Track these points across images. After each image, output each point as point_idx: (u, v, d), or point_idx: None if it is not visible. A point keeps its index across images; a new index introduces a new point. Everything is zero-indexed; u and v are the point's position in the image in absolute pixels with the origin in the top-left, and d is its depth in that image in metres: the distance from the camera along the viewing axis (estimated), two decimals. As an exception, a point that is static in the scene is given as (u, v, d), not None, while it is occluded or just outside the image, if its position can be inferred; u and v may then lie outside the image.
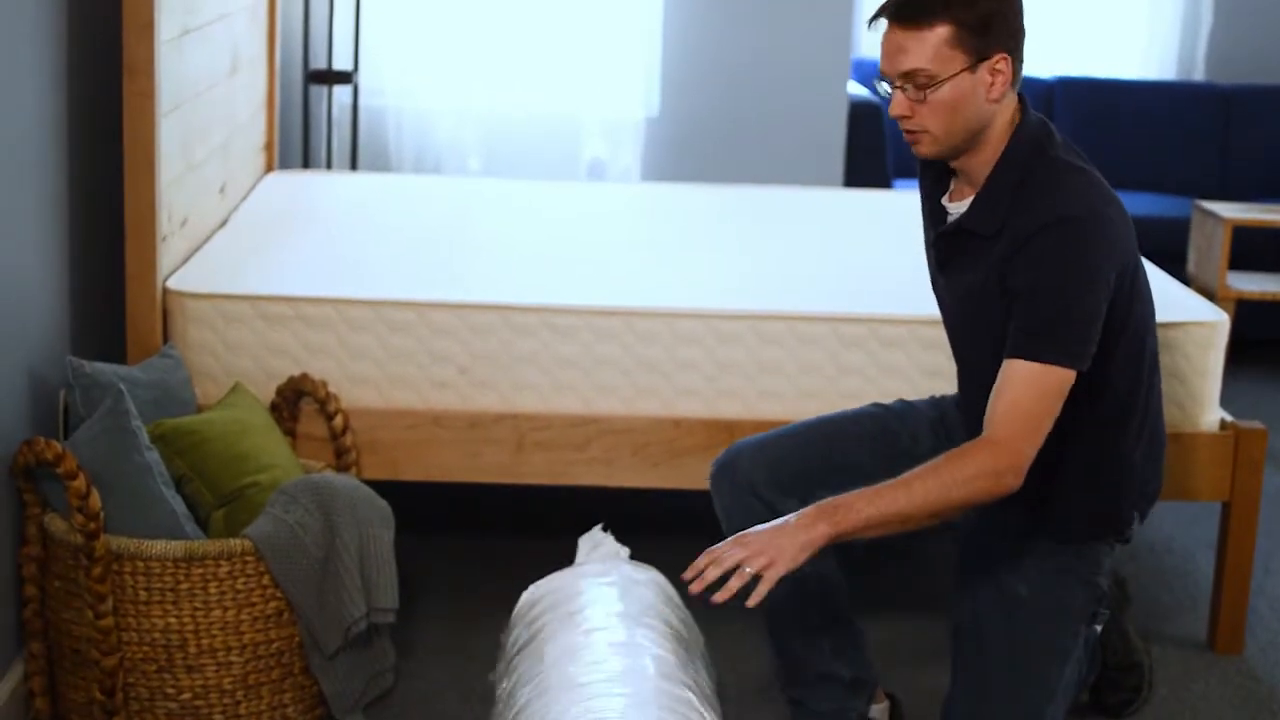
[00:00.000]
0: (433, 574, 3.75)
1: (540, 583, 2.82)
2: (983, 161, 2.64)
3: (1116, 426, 2.70)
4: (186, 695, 2.98)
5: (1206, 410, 3.53)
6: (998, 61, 2.54)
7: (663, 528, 3.61)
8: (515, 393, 3.46)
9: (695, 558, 2.44)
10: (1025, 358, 2.50)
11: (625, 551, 2.90)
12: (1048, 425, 2.51)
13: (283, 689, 3.05)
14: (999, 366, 2.55)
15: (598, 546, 2.93)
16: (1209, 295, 5.13)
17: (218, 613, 2.95)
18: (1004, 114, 2.61)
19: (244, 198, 4.36)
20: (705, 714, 2.35)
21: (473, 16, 5.86)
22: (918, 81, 2.53)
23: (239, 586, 2.96)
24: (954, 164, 2.69)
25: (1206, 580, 3.88)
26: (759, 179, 5.46)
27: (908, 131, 2.60)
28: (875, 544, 2.55)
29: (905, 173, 6.25)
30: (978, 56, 2.53)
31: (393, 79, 5.93)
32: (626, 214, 4.50)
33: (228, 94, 4.16)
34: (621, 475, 3.47)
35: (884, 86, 2.60)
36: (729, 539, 2.40)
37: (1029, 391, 2.49)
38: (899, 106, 2.57)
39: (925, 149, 2.62)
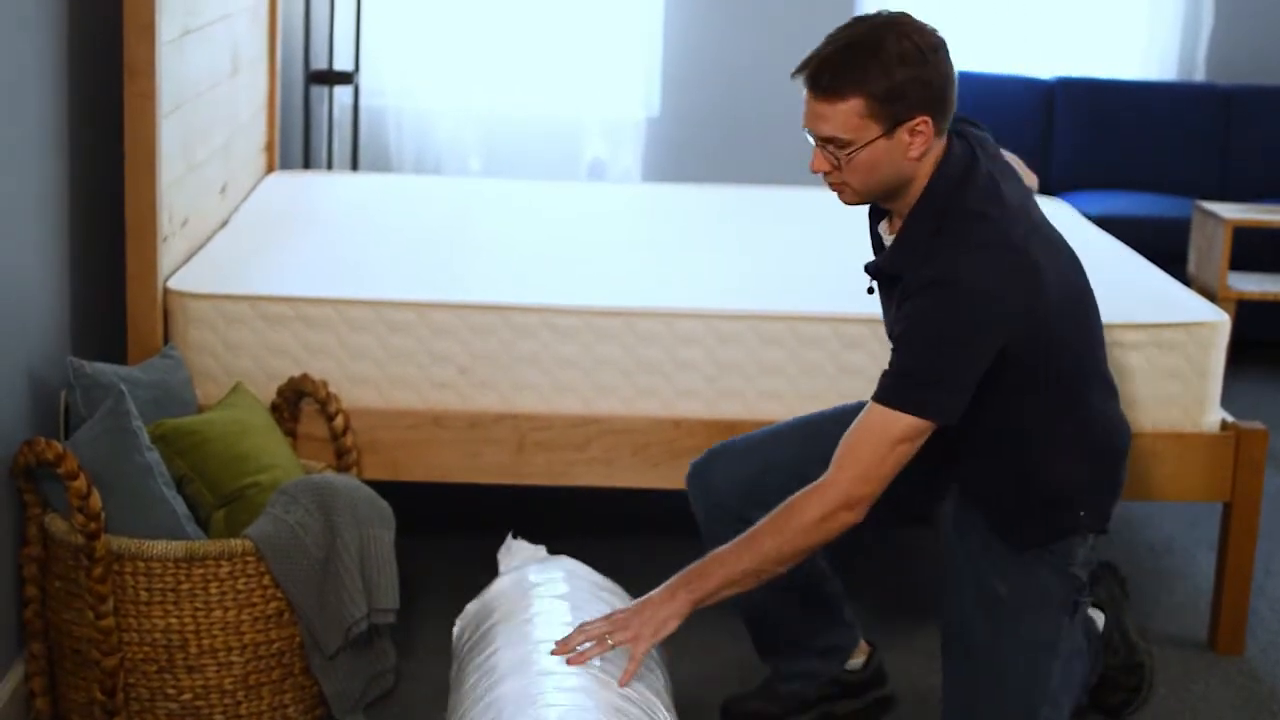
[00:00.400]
0: (433, 574, 3.74)
1: (464, 610, 2.81)
2: (907, 204, 2.67)
3: (1047, 447, 2.74)
4: (187, 695, 2.98)
5: (1207, 411, 3.53)
6: (917, 124, 2.56)
7: (663, 528, 3.61)
8: (515, 393, 3.46)
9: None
10: (877, 400, 2.58)
11: (542, 550, 2.91)
12: (889, 469, 2.56)
13: (283, 689, 3.05)
14: None
15: (516, 554, 2.93)
16: (1210, 296, 5.13)
17: (218, 613, 2.96)
18: (927, 164, 2.63)
19: (245, 198, 4.36)
20: (659, 707, 2.37)
21: (473, 17, 5.87)
22: (835, 144, 2.57)
23: (240, 587, 2.96)
24: (883, 204, 2.75)
25: (1207, 581, 3.88)
26: (759, 179, 5.47)
27: (830, 184, 2.65)
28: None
29: (906, 173, 6.25)
30: (893, 123, 2.55)
31: (393, 79, 5.94)
32: (627, 214, 4.50)
33: (229, 94, 4.16)
34: (621, 475, 3.47)
35: (808, 136, 2.63)
36: (602, 617, 2.48)
37: (871, 434, 2.56)
38: (820, 163, 2.62)
39: (846, 199, 2.68)
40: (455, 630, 2.80)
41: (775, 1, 6.12)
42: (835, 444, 2.65)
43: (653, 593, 2.50)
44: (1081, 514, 2.80)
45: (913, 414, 2.55)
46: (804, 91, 2.60)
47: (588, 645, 2.41)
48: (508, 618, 2.61)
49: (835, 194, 2.68)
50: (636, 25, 5.91)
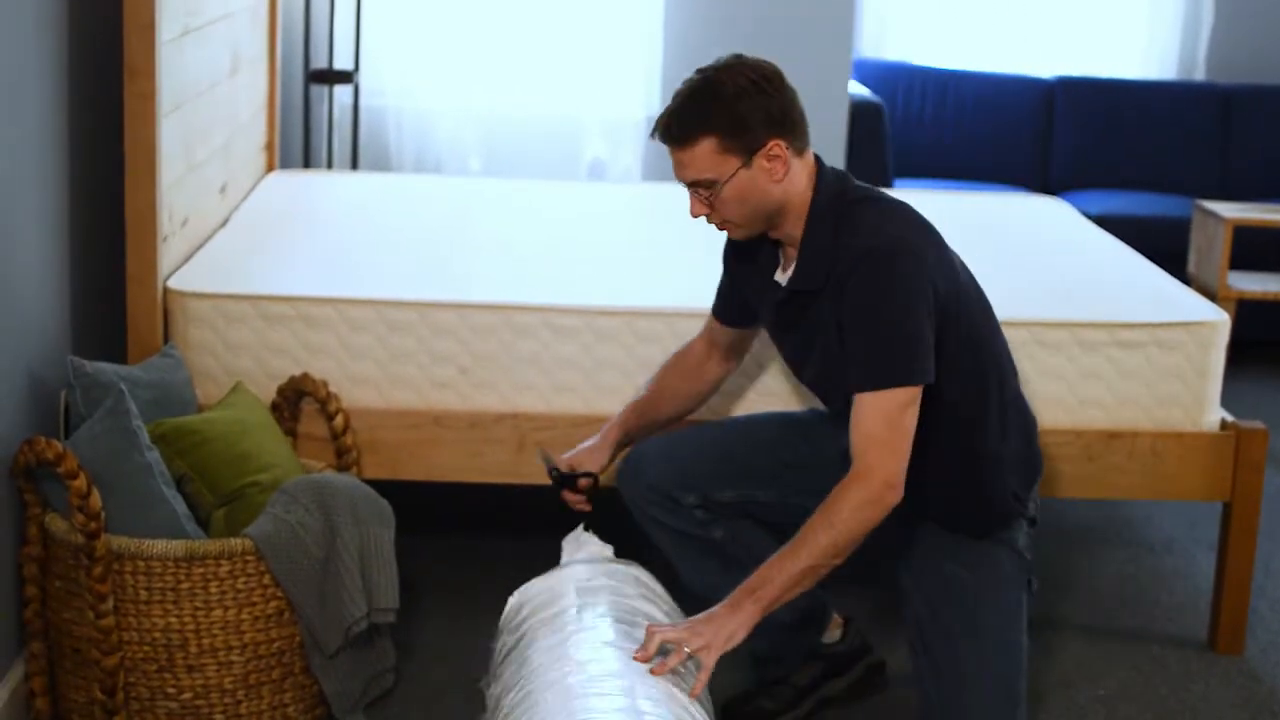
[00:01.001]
0: (433, 574, 3.75)
1: (525, 587, 2.82)
2: (793, 226, 2.83)
3: (974, 430, 2.89)
4: (187, 695, 2.98)
5: (1207, 410, 3.53)
6: (771, 149, 2.73)
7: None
8: (516, 393, 3.46)
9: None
10: (865, 388, 2.70)
11: (609, 550, 2.91)
12: (905, 439, 2.69)
13: (283, 689, 3.05)
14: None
15: (583, 546, 2.94)
16: (1210, 295, 5.13)
17: (218, 612, 2.96)
18: (799, 181, 2.80)
19: (245, 198, 4.36)
20: (691, 709, 2.37)
21: (473, 16, 5.86)
22: (703, 186, 2.75)
23: (240, 586, 2.96)
24: (771, 235, 2.88)
25: (1207, 581, 3.88)
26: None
27: (713, 224, 2.82)
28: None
29: (906, 172, 6.26)
30: (748, 153, 2.73)
31: (393, 79, 5.93)
32: (627, 214, 4.50)
33: (228, 94, 4.16)
34: (622, 475, 3.47)
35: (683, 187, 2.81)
36: (671, 625, 2.53)
37: (876, 418, 2.69)
38: (696, 208, 2.80)
39: (736, 234, 2.86)
40: (512, 603, 2.81)
41: (775, 2, 6.11)
42: (756, 450, 3.01)
43: (716, 607, 2.56)
44: (1019, 494, 2.96)
45: (903, 384, 2.69)
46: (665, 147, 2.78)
47: (665, 651, 2.46)
48: (550, 622, 2.62)
49: (726, 232, 2.86)
50: (637, 25, 5.90)
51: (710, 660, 2.47)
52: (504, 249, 3.96)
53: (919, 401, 2.71)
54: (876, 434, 2.68)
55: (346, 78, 5.67)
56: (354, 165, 5.78)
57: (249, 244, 3.85)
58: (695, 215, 2.81)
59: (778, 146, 2.73)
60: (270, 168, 4.82)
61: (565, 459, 3.10)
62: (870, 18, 6.53)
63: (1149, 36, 6.62)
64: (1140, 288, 3.82)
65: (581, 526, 2.99)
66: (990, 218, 4.60)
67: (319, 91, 5.80)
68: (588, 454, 3.10)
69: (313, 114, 5.76)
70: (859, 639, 3.31)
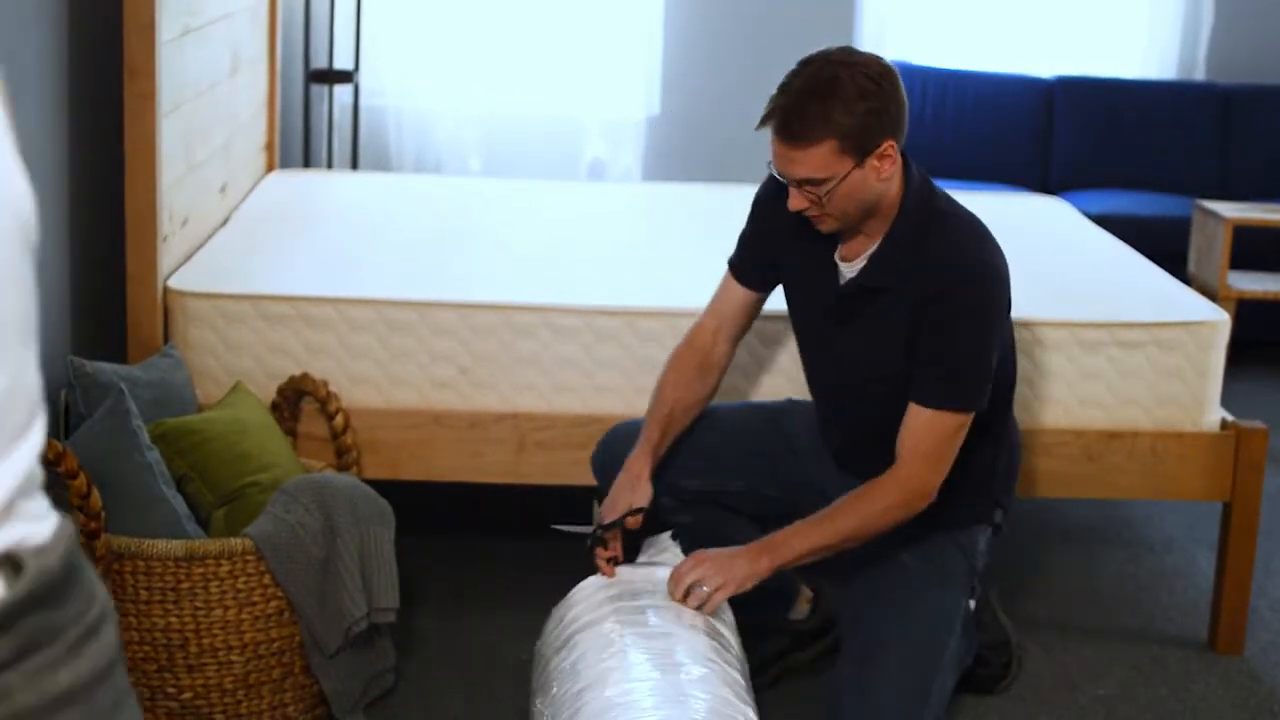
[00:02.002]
0: (433, 574, 3.75)
1: (578, 591, 2.86)
2: (879, 222, 2.85)
3: (982, 438, 2.95)
4: (187, 695, 2.98)
5: (1207, 410, 3.53)
6: (884, 150, 2.74)
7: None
8: (516, 393, 3.46)
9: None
10: (931, 405, 2.80)
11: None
12: (951, 458, 2.83)
13: (283, 688, 3.05)
14: (888, 409, 2.85)
15: (663, 551, 3.00)
16: (1210, 295, 5.13)
17: (219, 612, 2.96)
18: (896, 178, 2.82)
19: (245, 197, 4.36)
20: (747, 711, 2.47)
21: (474, 16, 5.87)
22: (812, 184, 2.74)
23: (240, 586, 2.96)
24: (858, 227, 2.87)
25: (1207, 581, 3.88)
26: (759, 178, 5.46)
27: (809, 216, 2.81)
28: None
29: (906, 172, 6.25)
30: (863, 154, 2.72)
31: (393, 79, 5.93)
32: (627, 214, 4.50)
33: (228, 94, 4.16)
34: (622, 475, 3.47)
35: (777, 174, 2.80)
36: (690, 560, 2.78)
37: (933, 434, 2.80)
38: (798, 202, 2.79)
39: (829, 227, 2.83)
40: (578, 597, 2.85)
41: (775, 2, 6.11)
42: (731, 421, 3.06)
43: (737, 550, 2.77)
44: (995, 502, 3.06)
45: (966, 410, 2.82)
46: (771, 137, 2.76)
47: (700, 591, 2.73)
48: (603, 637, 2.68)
49: (815, 224, 2.83)
50: (637, 24, 5.91)
51: (722, 597, 2.73)
52: (504, 249, 3.96)
53: (967, 428, 2.83)
54: (928, 449, 2.80)
55: (346, 78, 5.68)
56: (354, 165, 5.78)
57: (249, 244, 3.85)
58: (794, 209, 2.80)
59: (891, 147, 2.74)
60: (270, 168, 4.82)
61: (601, 513, 3.00)
62: (870, 18, 6.53)
63: (1149, 36, 6.62)
64: (1140, 288, 3.82)
65: (669, 534, 3.03)
66: (990, 217, 4.55)
67: (319, 91, 5.81)
68: (624, 494, 2.96)
69: (313, 114, 5.77)
70: (827, 614, 3.33)
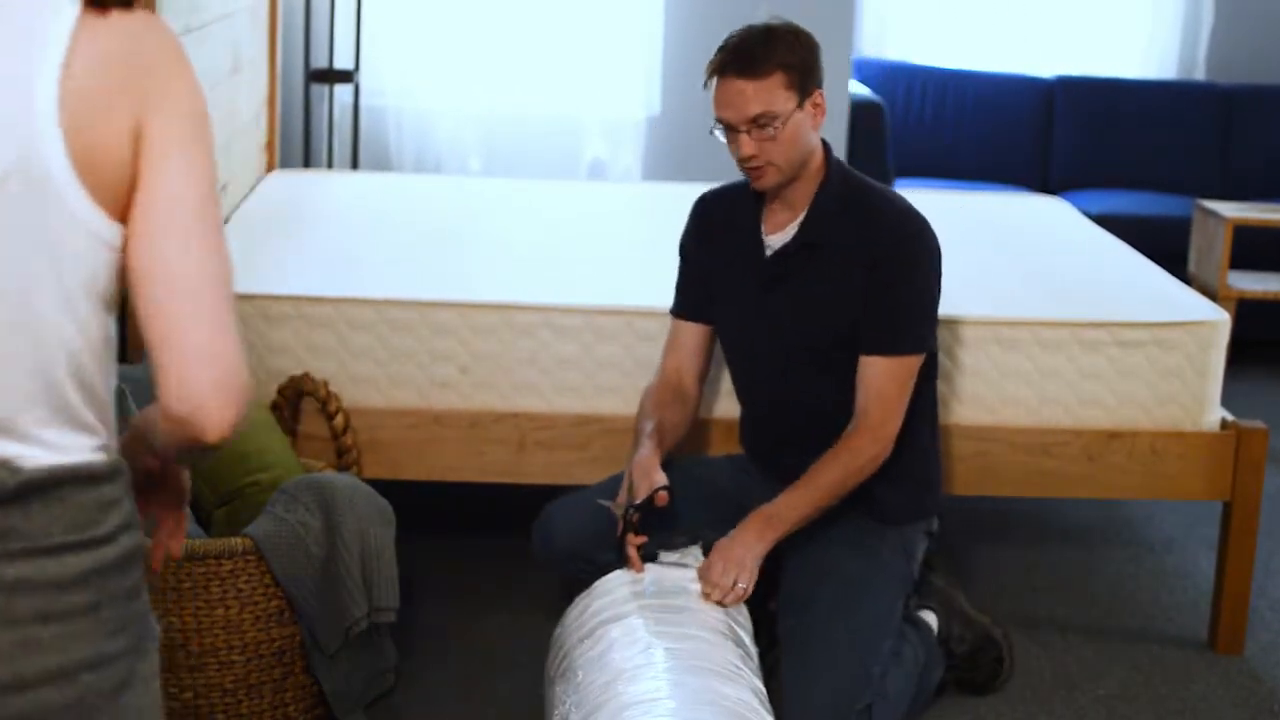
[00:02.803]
0: (433, 574, 3.75)
1: (604, 583, 2.88)
2: (806, 184, 3.03)
3: (918, 420, 3.11)
4: (188, 695, 2.98)
5: (1207, 410, 3.53)
6: (816, 97, 2.97)
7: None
8: (516, 392, 3.46)
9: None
10: (886, 353, 2.99)
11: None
12: (906, 402, 3.02)
13: (284, 688, 3.05)
14: (824, 378, 3.05)
15: (685, 554, 3.01)
16: (1210, 295, 5.13)
17: (219, 611, 2.95)
18: (819, 148, 3.04)
19: (245, 197, 4.36)
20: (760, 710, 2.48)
21: (474, 16, 5.86)
22: (761, 123, 2.91)
23: (240, 585, 2.96)
24: (779, 193, 3.05)
25: (1207, 580, 3.88)
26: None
27: (754, 168, 2.98)
28: None
29: (906, 172, 6.26)
30: (803, 95, 2.94)
31: (394, 79, 5.93)
32: (627, 213, 4.50)
33: (229, 93, 4.16)
34: (622, 475, 3.47)
35: (719, 133, 2.98)
36: (717, 556, 2.91)
37: (891, 382, 2.99)
38: (747, 147, 2.94)
39: (769, 180, 2.99)
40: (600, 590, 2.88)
41: (775, 1, 6.11)
42: (674, 477, 3.02)
43: (744, 533, 2.91)
44: (935, 502, 3.19)
45: (919, 352, 3.02)
46: (716, 84, 2.94)
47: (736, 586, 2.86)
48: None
49: (755, 180, 3.00)
50: (637, 24, 5.90)
51: (751, 582, 2.89)
52: (504, 248, 3.96)
53: (918, 371, 3.03)
54: (889, 394, 2.99)
55: (347, 77, 5.68)
56: (354, 165, 5.78)
57: (249, 243, 3.85)
58: (743, 155, 2.95)
59: (820, 96, 2.98)
60: (270, 167, 4.82)
61: (620, 494, 3.01)
62: (870, 17, 6.53)
63: (1149, 36, 6.62)
64: (1140, 287, 3.82)
65: (700, 548, 3.03)
66: (990, 217, 4.60)
67: (319, 91, 5.81)
68: (641, 480, 2.97)
69: (313, 114, 5.76)
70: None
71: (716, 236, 3.19)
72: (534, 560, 3.21)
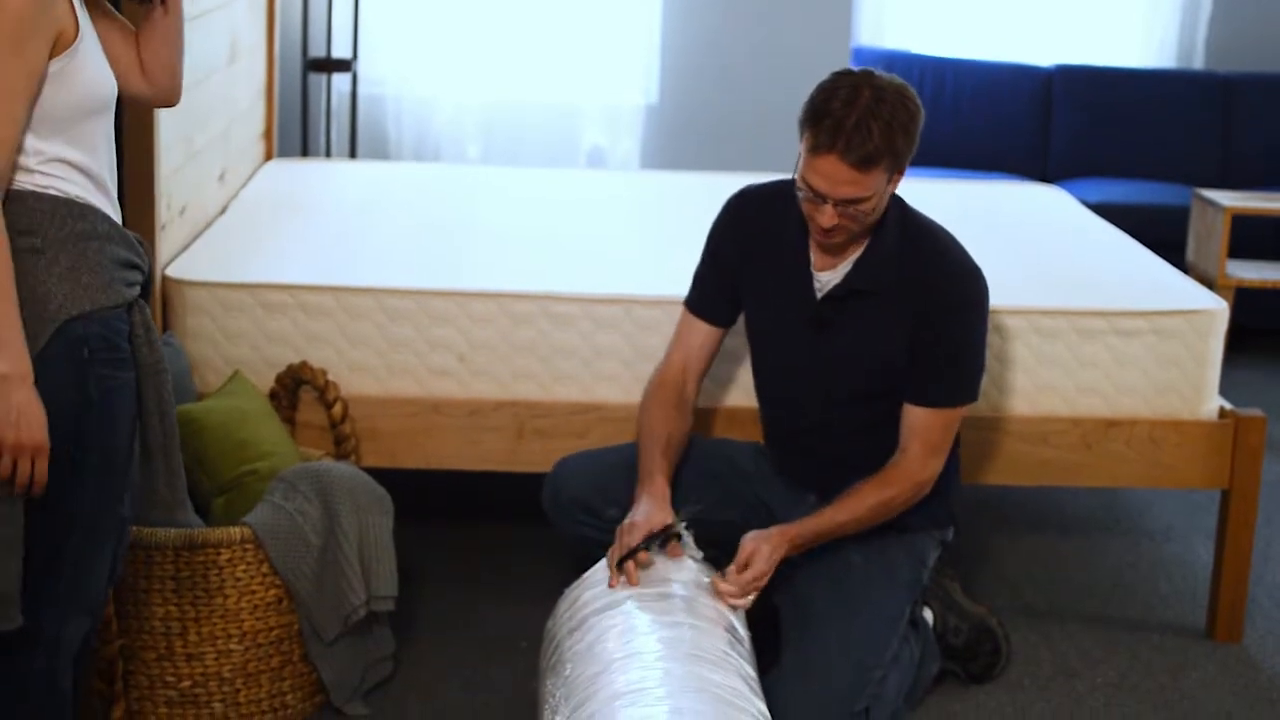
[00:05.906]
0: (432, 562, 3.75)
1: (594, 573, 2.86)
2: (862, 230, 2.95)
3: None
4: (186, 683, 2.99)
5: (1206, 398, 3.53)
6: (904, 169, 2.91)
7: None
8: (514, 381, 3.46)
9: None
10: (937, 404, 2.98)
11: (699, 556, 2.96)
12: (949, 448, 3.05)
13: (282, 676, 3.05)
14: (871, 409, 3.03)
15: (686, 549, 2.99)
16: (1208, 283, 5.13)
17: (218, 600, 2.96)
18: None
19: (243, 185, 4.35)
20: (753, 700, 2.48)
21: (472, 5, 5.86)
22: (855, 203, 2.83)
23: (239, 574, 2.96)
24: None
25: (1206, 568, 3.88)
26: (758, 167, 5.46)
27: (827, 232, 2.87)
28: None
29: (904, 161, 6.24)
30: (894, 172, 2.87)
31: (392, 67, 5.93)
32: (626, 202, 4.50)
33: (227, 82, 4.16)
34: (621, 463, 3.47)
35: (806, 196, 2.85)
36: (755, 553, 2.87)
37: (940, 429, 3.00)
38: (830, 218, 2.84)
39: (838, 240, 2.92)
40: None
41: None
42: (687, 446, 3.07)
43: (772, 539, 2.88)
44: (950, 515, 3.17)
45: (970, 402, 3.04)
46: (815, 153, 2.79)
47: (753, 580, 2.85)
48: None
49: (822, 238, 2.91)
50: (635, 12, 5.90)
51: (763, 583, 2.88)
52: (502, 237, 3.95)
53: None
54: (937, 443, 3.00)
55: (345, 66, 5.68)
56: (352, 153, 5.78)
57: (247, 232, 3.85)
58: (826, 226, 2.85)
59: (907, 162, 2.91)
60: (269, 156, 4.82)
61: (628, 528, 2.90)
62: (868, 6, 6.52)
63: (1148, 25, 6.61)
64: (1139, 276, 3.82)
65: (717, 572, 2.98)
66: (989, 206, 4.59)
67: (317, 79, 5.81)
68: (655, 515, 2.90)
69: (311, 102, 5.76)
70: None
71: (754, 243, 3.09)
72: (544, 513, 3.22)
